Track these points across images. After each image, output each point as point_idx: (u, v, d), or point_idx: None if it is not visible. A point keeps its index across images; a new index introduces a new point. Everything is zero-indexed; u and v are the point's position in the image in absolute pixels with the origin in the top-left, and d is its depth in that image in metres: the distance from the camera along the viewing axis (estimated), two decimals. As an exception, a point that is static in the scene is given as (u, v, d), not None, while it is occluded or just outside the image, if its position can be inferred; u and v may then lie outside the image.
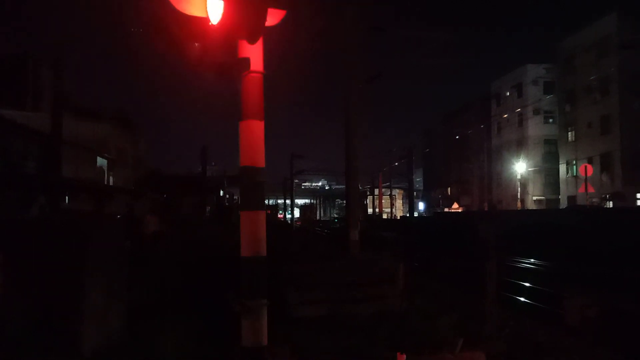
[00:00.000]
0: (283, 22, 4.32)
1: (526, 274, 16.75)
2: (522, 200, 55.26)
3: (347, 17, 12.78)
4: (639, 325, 8.85)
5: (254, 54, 4.17)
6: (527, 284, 14.15)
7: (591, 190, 32.68)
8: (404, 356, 4.72)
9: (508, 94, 59.21)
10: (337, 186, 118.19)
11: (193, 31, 3.88)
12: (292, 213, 67.64)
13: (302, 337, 6.91)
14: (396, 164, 62.65)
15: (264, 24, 3.91)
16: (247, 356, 4.41)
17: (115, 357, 5.83)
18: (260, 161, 4.29)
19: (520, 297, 12.49)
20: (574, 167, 46.68)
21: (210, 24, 3.82)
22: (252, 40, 4.00)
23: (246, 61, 4.10)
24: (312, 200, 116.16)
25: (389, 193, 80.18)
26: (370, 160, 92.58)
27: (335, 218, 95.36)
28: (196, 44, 4.02)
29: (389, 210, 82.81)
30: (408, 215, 59.74)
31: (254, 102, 4.23)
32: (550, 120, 54.64)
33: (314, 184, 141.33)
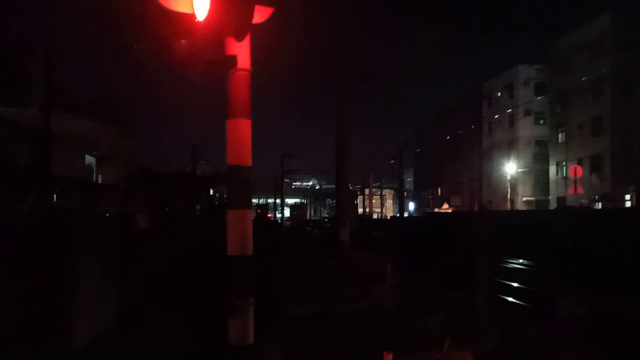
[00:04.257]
0: (271, 19, 4.30)
1: (515, 273, 16.82)
2: (512, 201, 55.54)
3: (341, 12, 12.75)
4: (627, 325, 8.91)
5: (241, 51, 4.15)
6: (516, 284, 14.21)
7: (581, 191, 32.86)
8: (391, 355, 4.71)
9: (499, 94, 59.45)
10: (327, 185, 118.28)
11: (179, 27, 3.85)
12: (282, 212, 67.59)
13: (292, 335, 6.92)
14: (391, 162, 62.57)
15: (251, 20, 3.89)
16: (233, 354, 4.40)
17: (105, 353, 5.83)
18: (248, 160, 4.27)
19: (510, 296, 12.54)
20: (564, 168, 46.92)
21: (196, 20, 3.79)
22: (239, 38, 3.98)
23: (233, 59, 4.07)
24: (303, 200, 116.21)
25: (379, 193, 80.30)
26: (361, 160, 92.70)
27: (325, 218, 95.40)
28: (182, 41, 3.98)
29: (379, 210, 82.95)
30: (398, 215, 59.85)
31: (241, 101, 4.21)
32: (541, 121, 54.92)
33: (304, 184, 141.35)
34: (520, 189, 55.51)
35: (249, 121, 4.27)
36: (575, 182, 30.80)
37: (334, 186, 16.53)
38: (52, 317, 5.44)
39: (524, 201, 55.28)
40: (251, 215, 4.45)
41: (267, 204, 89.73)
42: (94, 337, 5.89)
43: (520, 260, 20.56)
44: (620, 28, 40.19)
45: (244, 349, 4.35)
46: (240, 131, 4.22)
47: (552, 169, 50.44)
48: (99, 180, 26.53)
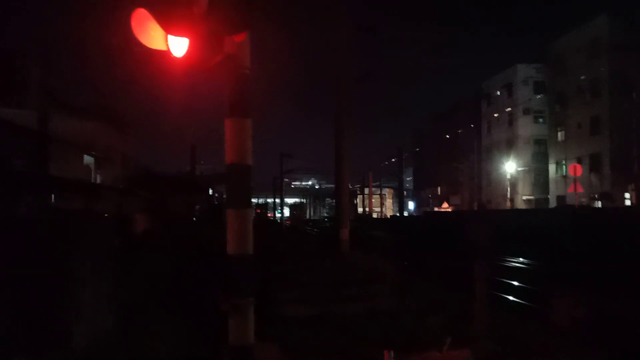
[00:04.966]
0: (271, 19, 4.28)
1: (515, 273, 16.80)
2: (512, 200, 55.47)
3: (338, 16, 12.74)
4: (626, 325, 8.90)
5: (240, 50, 4.14)
6: (515, 283, 14.19)
7: (580, 190, 32.83)
8: (392, 354, 4.70)
9: (498, 93, 59.39)
10: (327, 185, 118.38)
11: (178, 26, 3.81)
12: (282, 212, 67.60)
13: (291, 336, 6.89)
14: (392, 160, 62.44)
15: (251, 19, 3.87)
16: (234, 354, 4.37)
17: (105, 355, 5.81)
18: (247, 159, 4.25)
19: (509, 296, 12.53)
20: (564, 167, 46.87)
21: (196, 17, 3.76)
22: (238, 37, 3.96)
23: (232, 57, 4.06)
24: (302, 200, 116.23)
25: (379, 192, 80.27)
26: (360, 160, 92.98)
27: (325, 217, 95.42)
28: (181, 40, 3.95)
29: (379, 209, 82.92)
30: (398, 214, 59.80)
31: (240, 99, 4.19)
32: (540, 120, 54.82)
33: (303, 183, 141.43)
34: (520, 188, 55.44)
35: (249, 120, 4.25)
36: (574, 180, 30.77)
37: (333, 185, 16.50)
38: (51, 319, 5.41)
39: (524, 200, 55.22)
40: (251, 214, 4.42)
41: (266, 203, 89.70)
42: (94, 340, 5.86)
43: (521, 259, 20.55)
44: (618, 28, 40.17)
45: (245, 348, 4.33)
46: (240, 130, 4.19)
47: (552, 168, 50.38)
48: (98, 180, 26.47)
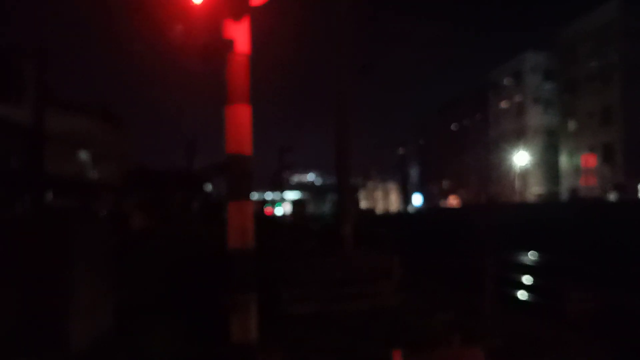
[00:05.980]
0: (270, 4, 4.12)
1: (523, 268, 16.63)
2: (521, 193, 54.51)
3: (339, 5, 12.52)
4: (636, 319, 8.76)
5: (239, 34, 3.98)
6: (524, 279, 14.06)
7: (593, 182, 32.13)
8: (400, 353, 4.55)
9: (507, 83, 58.15)
10: (329, 181, 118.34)
11: (175, 11, 3.70)
12: (282, 208, 67.58)
13: (295, 335, 6.81)
14: (395, 155, 62.08)
15: (249, 2, 3.72)
16: (236, 352, 4.26)
17: (103, 354, 5.78)
18: (248, 148, 4.11)
19: (518, 291, 12.40)
20: (575, 158, 45.87)
21: (193, 2, 3.63)
22: (236, 19, 3.80)
23: (231, 42, 3.90)
24: (303, 195, 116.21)
25: (382, 187, 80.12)
26: (364, 154, 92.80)
27: (327, 213, 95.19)
28: (179, 27, 3.85)
29: (383, 205, 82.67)
30: (402, 209, 59.57)
31: (239, 86, 4.04)
32: (550, 110, 53.67)
33: (304, 177, 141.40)
34: (530, 181, 54.25)
35: (249, 107, 4.10)
36: (587, 172, 30.05)
37: (335, 181, 16.24)
38: (50, 319, 5.35)
39: (534, 193, 54.17)
40: (252, 206, 4.28)
41: (264, 201, 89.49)
42: (93, 340, 5.81)
43: (529, 255, 20.29)
44: (630, 13, 39.14)
45: (247, 346, 4.21)
46: (240, 118, 4.06)
47: (563, 159, 49.03)
48: (95, 177, 26.45)
